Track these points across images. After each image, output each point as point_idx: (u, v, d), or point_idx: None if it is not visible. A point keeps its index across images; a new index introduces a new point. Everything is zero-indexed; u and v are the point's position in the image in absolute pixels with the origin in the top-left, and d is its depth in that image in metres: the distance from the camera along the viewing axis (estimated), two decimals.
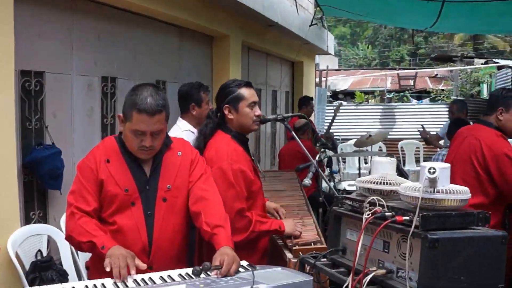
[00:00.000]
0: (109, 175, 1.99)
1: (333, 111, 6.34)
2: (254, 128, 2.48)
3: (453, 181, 2.76)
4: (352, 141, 7.41)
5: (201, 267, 1.65)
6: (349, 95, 17.94)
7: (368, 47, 30.72)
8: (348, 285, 1.64)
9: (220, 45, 5.87)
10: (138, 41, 4.35)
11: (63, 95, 3.61)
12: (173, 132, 3.37)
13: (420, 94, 16.66)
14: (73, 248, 3.09)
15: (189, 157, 2.13)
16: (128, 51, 4.23)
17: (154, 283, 1.73)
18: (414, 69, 19.20)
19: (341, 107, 5.84)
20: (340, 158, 7.93)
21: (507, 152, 2.64)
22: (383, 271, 1.63)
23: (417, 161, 8.56)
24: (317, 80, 11.70)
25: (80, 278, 3.21)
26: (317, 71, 11.61)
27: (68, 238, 1.99)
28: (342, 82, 18.67)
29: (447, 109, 5.94)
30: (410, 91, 16.51)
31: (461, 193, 1.61)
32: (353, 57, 30.28)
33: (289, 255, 2.37)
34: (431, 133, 6.15)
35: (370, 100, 16.16)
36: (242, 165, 2.36)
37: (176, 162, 2.09)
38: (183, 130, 3.37)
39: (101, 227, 1.96)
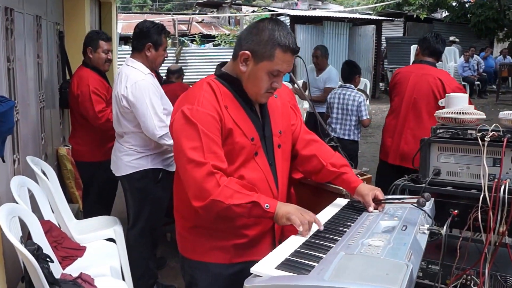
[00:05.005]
0: (234, 123, 1.74)
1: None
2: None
3: (419, 113, 3.42)
4: None
5: (425, 198, 1.76)
6: (123, 39, 17.30)
7: None
8: (485, 195, 2.05)
9: None
10: None
11: None
12: (134, 74, 2.94)
13: (204, 38, 17.15)
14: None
15: (285, 99, 2.04)
16: None
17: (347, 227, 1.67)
18: (188, 14, 19.62)
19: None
20: None
21: (458, 85, 3.40)
22: (508, 179, 2.09)
23: None
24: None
25: None
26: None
27: (211, 203, 1.65)
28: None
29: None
30: (186, 36, 16.96)
31: None
32: None
33: None
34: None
35: None
36: None
37: (277, 105, 1.97)
38: (146, 73, 2.98)
39: (244, 185, 1.74)
